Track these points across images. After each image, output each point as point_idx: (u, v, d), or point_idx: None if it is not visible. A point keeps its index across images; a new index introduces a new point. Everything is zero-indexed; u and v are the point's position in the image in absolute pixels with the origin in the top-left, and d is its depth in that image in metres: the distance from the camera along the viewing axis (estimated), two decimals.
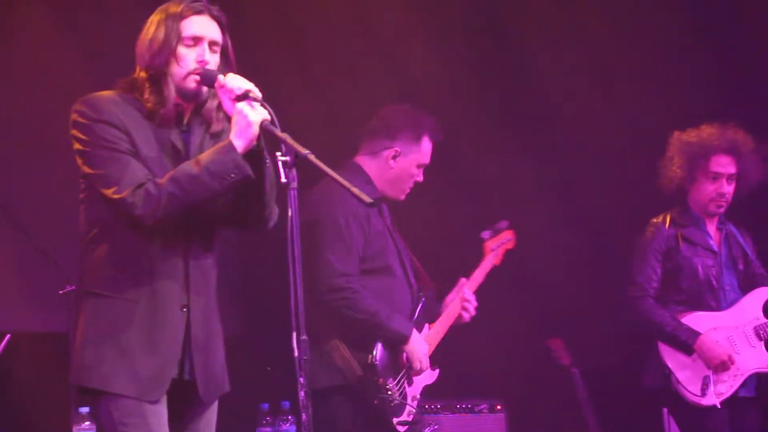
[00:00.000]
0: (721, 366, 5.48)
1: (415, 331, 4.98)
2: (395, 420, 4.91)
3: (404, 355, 4.98)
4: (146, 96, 3.68)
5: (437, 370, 5.21)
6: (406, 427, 4.96)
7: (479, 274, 5.36)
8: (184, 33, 3.67)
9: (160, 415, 3.64)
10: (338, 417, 4.84)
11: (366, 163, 5.12)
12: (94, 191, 3.65)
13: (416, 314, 5.12)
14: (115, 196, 3.56)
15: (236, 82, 3.60)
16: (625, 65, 6.81)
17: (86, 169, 3.65)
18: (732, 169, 5.62)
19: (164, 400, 3.65)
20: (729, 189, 5.63)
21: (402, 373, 4.98)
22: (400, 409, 4.92)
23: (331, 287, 4.82)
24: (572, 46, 6.88)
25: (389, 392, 4.87)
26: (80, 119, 3.65)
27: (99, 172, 3.61)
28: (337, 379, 4.82)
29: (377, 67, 6.73)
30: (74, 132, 3.67)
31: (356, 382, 4.83)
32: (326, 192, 4.92)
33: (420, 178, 5.19)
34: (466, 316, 5.24)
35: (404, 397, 4.97)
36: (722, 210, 5.70)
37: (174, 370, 3.65)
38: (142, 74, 3.71)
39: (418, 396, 5.08)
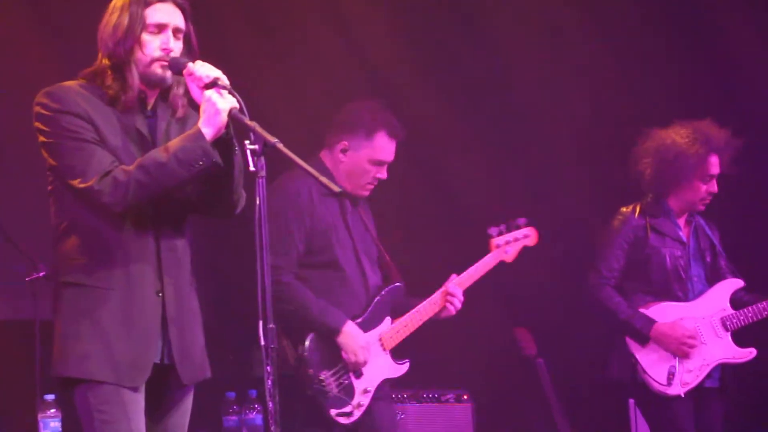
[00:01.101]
0: (682, 348, 5.51)
1: (350, 324, 4.98)
2: (334, 412, 4.92)
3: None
4: (109, 83, 3.69)
5: (405, 364, 5.19)
6: (350, 418, 4.96)
7: (475, 271, 5.32)
8: (148, 20, 3.68)
9: (137, 403, 3.64)
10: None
11: (326, 156, 5.16)
12: (62, 183, 3.66)
13: (370, 308, 5.11)
14: (82, 185, 3.57)
15: (205, 69, 3.61)
16: (598, 60, 6.84)
17: (52, 161, 3.66)
18: (719, 169, 5.65)
19: (143, 389, 3.66)
20: (716, 187, 5.67)
21: (341, 365, 4.98)
22: (339, 401, 4.93)
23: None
24: (545, 42, 6.92)
25: (323, 384, 4.90)
26: (43, 111, 3.65)
27: (65, 163, 3.62)
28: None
29: (347, 57, 6.73)
30: (38, 124, 3.67)
31: (290, 374, 4.83)
32: (277, 185, 4.97)
33: (383, 175, 5.16)
34: (452, 309, 5.22)
35: (348, 389, 4.97)
36: (705, 206, 5.73)
37: (154, 354, 3.66)
38: (105, 61, 3.72)
39: (372, 389, 5.04)
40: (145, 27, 3.67)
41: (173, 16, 3.71)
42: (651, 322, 5.53)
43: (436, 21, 6.96)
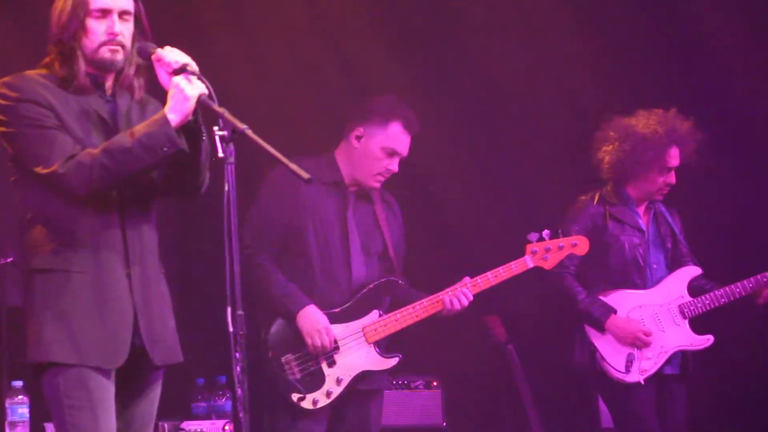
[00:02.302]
0: (637, 343, 5.54)
1: (312, 308, 4.97)
2: (295, 396, 4.92)
3: None
4: (56, 68, 3.68)
5: (393, 359, 5.17)
6: (315, 405, 4.95)
7: (495, 275, 5.24)
8: (92, 5, 3.66)
9: (106, 388, 3.64)
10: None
11: (342, 148, 5.19)
12: (26, 171, 3.65)
13: (354, 299, 5.11)
14: (46, 171, 3.57)
15: (173, 55, 3.60)
16: (583, 58, 6.86)
17: (14, 150, 3.66)
18: (678, 161, 5.67)
19: (113, 376, 3.65)
20: (675, 179, 5.70)
21: (306, 351, 4.98)
22: (302, 385, 4.93)
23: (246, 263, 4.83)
24: (520, 40, 6.92)
25: (284, 368, 4.92)
26: (2, 101, 3.64)
27: (28, 152, 3.62)
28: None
29: (318, 43, 6.71)
30: None
31: (256, 356, 4.82)
32: (271, 173, 5.04)
33: (394, 168, 5.16)
34: (456, 305, 5.17)
35: (315, 375, 4.97)
36: (662, 197, 5.77)
37: (128, 334, 3.65)
38: (52, 47, 3.71)
39: (346, 379, 5.03)
40: (88, 12, 3.66)
41: (117, 0, 3.68)
42: (609, 311, 5.57)
43: (421, 24, 6.95)
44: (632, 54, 6.85)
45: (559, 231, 5.36)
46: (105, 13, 3.66)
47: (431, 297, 5.18)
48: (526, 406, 6.17)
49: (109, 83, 3.75)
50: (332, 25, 6.72)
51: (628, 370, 5.55)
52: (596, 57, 6.82)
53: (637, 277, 5.68)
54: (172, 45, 3.68)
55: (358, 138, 5.14)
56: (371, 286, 5.15)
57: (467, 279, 5.22)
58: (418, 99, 6.24)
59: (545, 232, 5.32)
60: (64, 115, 3.62)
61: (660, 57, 6.80)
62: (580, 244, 5.37)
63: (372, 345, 5.11)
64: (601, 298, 5.63)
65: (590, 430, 6.43)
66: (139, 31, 3.72)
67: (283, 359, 4.93)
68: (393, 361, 5.16)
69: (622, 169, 5.68)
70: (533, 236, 5.31)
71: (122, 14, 3.68)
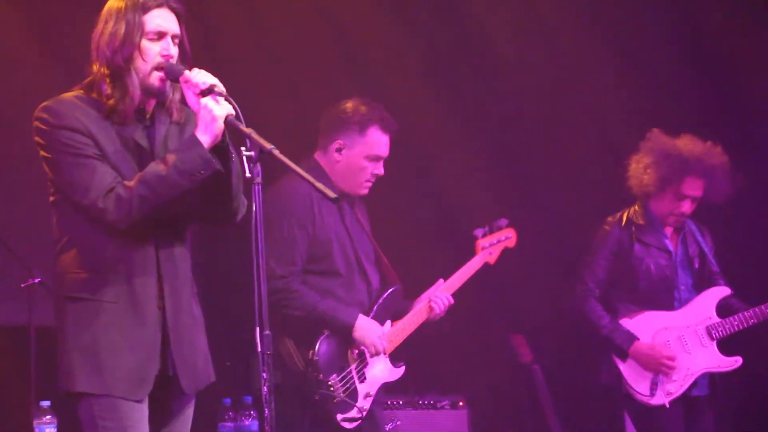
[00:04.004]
0: (661, 369, 5.53)
1: (363, 317, 4.98)
2: (340, 416, 4.91)
3: (354, 350, 5.00)
4: (108, 92, 3.64)
5: (401, 368, 5.20)
6: (354, 423, 4.95)
7: (463, 274, 5.34)
8: (147, 27, 3.64)
9: (140, 411, 3.64)
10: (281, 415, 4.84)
11: (321, 158, 5.12)
12: (63, 196, 3.65)
13: (373, 312, 5.11)
14: (86, 202, 3.56)
15: (201, 77, 3.59)
16: (592, 62, 6.84)
17: (53, 176, 3.65)
18: (699, 193, 5.63)
19: (146, 398, 3.66)
20: (690, 208, 5.66)
21: (348, 370, 4.99)
22: (345, 405, 4.93)
23: (270, 290, 4.81)
24: (538, 41, 6.91)
25: (331, 388, 4.89)
26: (42, 126, 3.62)
27: (67, 180, 3.61)
28: (277, 377, 4.81)
29: (343, 63, 6.74)
30: (38, 139, 3.65)
31: (298, 379, 4.83)
32: (276, 194, 4.96)
33: (379, 171, 5.13)
34: (437, 310, 5.22)
35: (352, 393, 4.97)
36: (679, 224, 5.73)
37: (156, 366, 3.66)
38: (103, 70, 3.66)
39: (373, 393, 5.06)
40: (144, 34, 3.63)
41: (171, 22, 3.68)
42: (632, 339, 5.56)
43: (431, 22, 6.96)
44: (658, 71, 6.83)
45: (495, 224, 5.51)
46: (160, 35, 3.65)
47: (422, 304, 5.24)
48: (551, 426, 6.17)
49: (149, 108, 3.73)
50: (353, 40, 6.75)
51: (653, 393, 5.54)
52: (621, 72, 6.82)
53: (665, 299, 5.66)
54: (199, 67, 3.68)
55: (339, 150, 5.09)
56: (384, 297, 5.16)
57: (441, 281, 5.29)
58: (436, 103, 6.30)
59: (486, 228, 5.48)
60: (102, 143, 3.60)
61: (687, 76, 6.77)
62: (511, 237, 5.56)
63: (387, 356, 5.13)
64: (627, 320, 5.62)
65: None
66: (182, 55, 3.71)
67: (330, 380, 4.90)
68: (402, 370, 5.20)
69: (640, 183, 5.67)
70: (479, 232, 5.46)
71: (173, 37, 3.68)
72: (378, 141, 5.11)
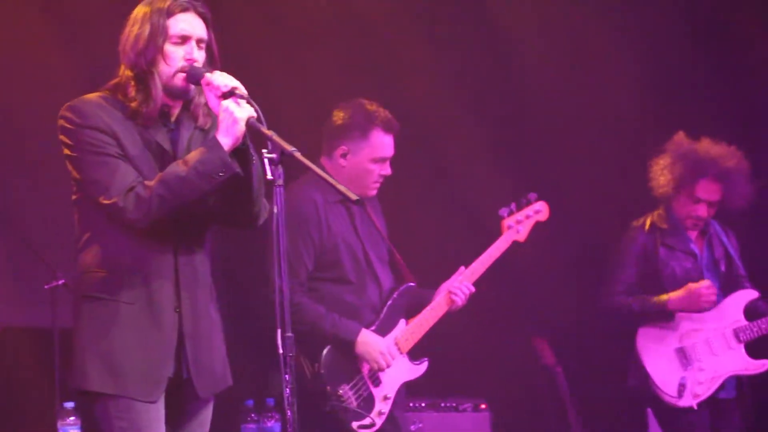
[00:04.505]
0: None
1: (366, 332, 4.96)
2: (355, 424, 4.91)
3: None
4: (132, 94, 3.67)
5: (423, 364, 5.18)
6: (372, 429, 4.95)
7: (487, 257, 5.25)
8: (171, 31, 3.67)
9: (156, 411, 3.66)
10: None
11: (327, 163, 5.11)
12: (85, 194, 3.67)
13: (383, 313, 5.10)
14: (107, 201, 3.58)
15: (223, 79, 3.60)
16: (611, 61, 6.82)
17: (76, 174, 3.68)
18: (716, 197, 5.61)
19: (161, 399, 3.68)
20: (708, 213, 5.64)
21: (360, 376, 4.98)
22: (359, 413, 4.92)
23: (273, 303, 4.81)
24: (559, 43, 6.90)
25: (342, 399, 4.89)
26: (67, 125, 3.66)
27: (89, 178, 3.63)
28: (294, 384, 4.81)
29: (366, 65, 6.74)
30: (62, 138, 3.68)
31: (307, 391, 4.77)
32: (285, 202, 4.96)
33: (386, 172, 5.12)
34: (458, 301, 5.17)
35: (368, 399, 4.97)
36: (698, 229, 5.71)
37: (170, 369, 3.67)
38: (128, 72, 3.70)
39: (392, 395, 5.05)
40: (167, 38, 3.66)
41: (196, 27, 3.70)
42: (664, 300, 5.53)
43: (450, 16, 6.96)
44: (679, 75, 6.81)
45: (522, 200, 5.37)
46: (184, 39, 3.67)
47: (441, 296, 5.17)
48: (574, 429, 6.14)
49: (175, 111, 3.75)
50: (372, 36, 6.74)
51: (680, 395, 5.52)
52: (646, 73, 6.80)
53: None
54: (219, 68, 3.70)
55: (344, 155, 5.08)
56: (395, 296, 5.15)
57: (462, 268, 5.22)
58: (455, 101, 6.31)
59: (512, 205, 5.36)
60: (125, 144, 3.63)
61: (709, 80, 6.75)
62: (543, 211, 5.41)
63: (405, 354, 5.11)
64: (653, 322, 5.61)
65: None
66: (209, 59, 3.73)
67: (340, 390, 4.90)
68: (424, 366, 5.17)
69: (658, 184, 5.67)
70: (504, 211, 5.34)
71: (199, 42, 3.70)
72: (382, 143, 5.10)
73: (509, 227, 5.32)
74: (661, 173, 5.64)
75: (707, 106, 6.60)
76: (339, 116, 5.13)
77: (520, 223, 5.35)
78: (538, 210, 5.41)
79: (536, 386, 6.50)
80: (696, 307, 5.53)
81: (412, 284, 5.21)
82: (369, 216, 5.18)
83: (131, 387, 3.62)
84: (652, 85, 6.76)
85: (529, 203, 5.39)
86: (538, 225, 5.42)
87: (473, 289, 5.19)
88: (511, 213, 5.35)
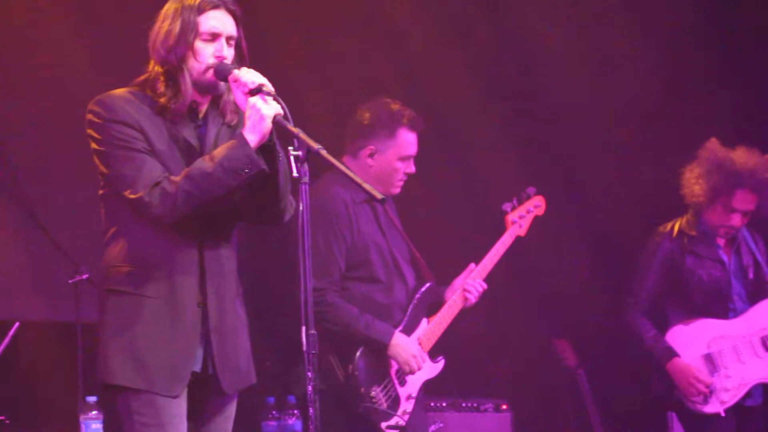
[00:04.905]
0: (690, 390, 5.49)
1: (398, 335, 5.00)
2: (384, 425, 4.94)
3: (391, 360, 5.02)
4: (161, 90, 3.68)
5: (440, 362, 5.21)
6: (397, 429, 4.96)
7: (495, 253, 5.30)
8: (201, 28, 3.67)
9: (178, 407, 3.67)
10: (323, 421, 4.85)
11: (351, 163, 5.13)
12: (112, 189, 3.68)
13: (408, 312, 5.13)
14: (132, 196, 3.59)
15: (250, 76, 3.61)
16: (631, 59, 6.81)
17: (103, 169, 3.69)
18: (752, 207, 5.57)
19: (184, 395, 3.69)
20: (741, 222, 5.60)
21: (389, 377, 5.01)
22: (388, 413, 4.95)
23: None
24: (577, 40, 6.89)
25: (374, 400, 4.91)
26: (95, 119, 3.67)
27: (115, 172, 3.64)
28: (322, 383, 4.81)
29: (389, 64, 6.75)
30: (89, 132, 3.69)
31: (339, 391, 4.84)
32: (312, 203, 4.94)
33: (411, 170, 5.16)
34: (472, 299, 5.21)
35: (395, 399, 4.99)
36: (729, 236, 5.67)
37: (193, 364, 3.68)
38: (157, 68, 3.71)
39: (415, 394, 5.08)
40: (198, 34, 3.66)
41: (226, 24, 3.70)
42: (670, 355, 5.53)
43: (473, 17, 6.97)
44: (699, 72, 6.78)
45: (523, 194, 5.41)
46: (214, 36, 3.67)
47: (456, 295, 5.20)
48: (595, 430, 6.14)
49: (203, 108, 3.76)
50: (401, 44, 6.78)
51: (707, 401, 5.51)
52: (670, 76, 6.79)
53: (718, 310, 5.62)
54: (248, 65, 3.71)
55: (372, 155, 5.11)
56: (418, 296, 5.17)
57: (473, 265, 5.25)
58: (477, 100, 6.30)
59: (514, 200, 5.41)
60: (152, 138, 3.64)
61: (728, 78, 6.70)
62: (541, 205, 5.46)
63: (426, 353, 5.14)
64: (682, 326, 5.60)
65: None
66: (238, 56, 3.73)
67: (372, 392, 4.93)
68: (441, 364, 5.21)
69: (692, 193, 5.62)
70: (507, 206, 5.38)
71: (228, 39, 3.70)
72: (408, 141, 5.14)
73: (513, 222, 5.37)
74: (696, 182, 5.59)
75: (726, 105, 6.59)
76: (364, 116, 5.15)
77: (522, 218, 5.40)
78: (537, 204, 5.46)
79: (558, 387, 6.52)
80: (682, 386, 5.51)
81: (431, 284, 5.23)
82: (389, 215, 5.21)
83: (154, 381, 3.62)
84: (671, 80, 6.73)
85: (528, 198, 5.44)
86: (537, 219, 5.47)
87: (486, 286, 5.23)
88: (513, 208, 5.40)
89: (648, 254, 5.67)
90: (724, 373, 5.55)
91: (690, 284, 5.60)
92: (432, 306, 5.22)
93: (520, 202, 5.42)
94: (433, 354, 5.20)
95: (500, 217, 5.39)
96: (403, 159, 5.11)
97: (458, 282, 5.24)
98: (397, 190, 5.18)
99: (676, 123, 6.23)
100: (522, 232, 5.39)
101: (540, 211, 5.47)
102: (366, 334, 4.94)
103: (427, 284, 5.21)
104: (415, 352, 5.01)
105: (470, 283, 5.19)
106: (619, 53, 6.78)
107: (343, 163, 4.99)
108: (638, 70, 6.75)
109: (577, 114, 6.86)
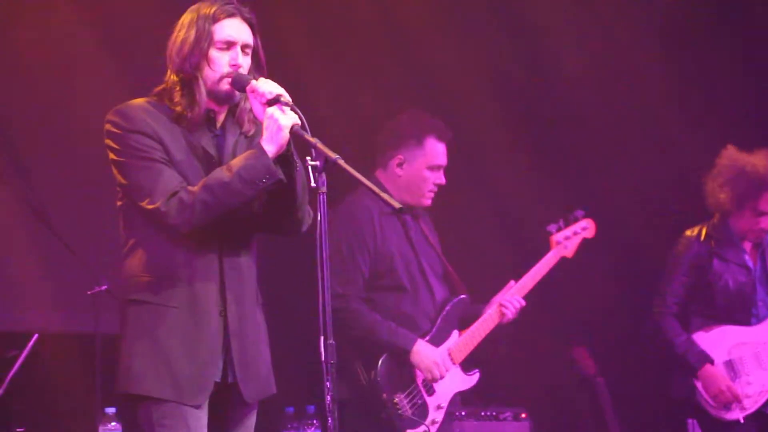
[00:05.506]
0: (719, 398, 5.51)
1: (421, 342, 5.04)
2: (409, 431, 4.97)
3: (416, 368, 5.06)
4: (177, 99, 3.70)
5: (475, 375, 5.26)
6: None
7: (536, 272, 5.35)
8: (216, 36, 3.69)
9: (198, 419, 3.67)
10: (350, 429, 4.88)
11: (381, 175, 5.22)
12: (130, 200, 3.70)
13: (437, 324, 5.17)
14: (150, 206, 3.60)
15: (268, 86, 3.62)
16: (649, 63, 6.82)
17: (121, 179, 3.70)
18: None
19: (205, 405, 3.69)
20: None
21: (415, 384, 5.04)
22: (414, 421, 4.98)
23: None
24: (593, 44, 6.90)
25: (397, 407, 4.95)
26: (113, 129, 3.68)
27: (133, 182, 3.65)
28: (344, 392, 4.84)
29: (406, 74, 6.77)
30: (108, 142, 3.71)
31: (363, 397, 4.89)
32: (339, 211, 5.04)
33: (441, 180, 5.23)
34: (509, 314, 5.25)
35: (422, 408, 5.02)
36: (759, 240, 5.69)
37: (215, 373, 3.68)
38: (173, 77, 3.72)
39: (445, 404, 5.11)
40: (212, 43, 3.67)
41: (241, 32, 3.71)
42: (705, 360, 5.55)
43: (489, 27, 6.97)
44: (723, 78, 6.79)
45: (570, 216, 5.46)
46: (229, 45, 3.69)
47: (492, 309, 5.25)
48: None
49: (220, 117, 3.78)
50: (413, 47, 6.78)
51: (727, 408, 5.51)
52: (672, 72, 6.78)
53: (743, 315, 5.64)
54: (266, 74, 3.73)
55: (400, 165, 5.19)
56: (448, 308, 5.21)
57: (512, 282, 5.30)
58: (499, 111, 6.29)
59: (560, 222, 5.45)
60: (171, 149, 3.66)
61: (752, 87, 6.73)
62: (589, 228, 5.51)
63: (458, 365, 5.18)
64: (703, 333, 5.61)
65: None
66: (255, 65, 3.75)
67: (396, 399, 4.97)
68: (476, 377, 5.25)
69: (717, 201, 5.64)
70: (553, 227, 5.44)
71: (244, 47, 3.71)
72: (436, 151, 5.21)
73: (558, 243, 5.42)
74: (721, 190, 5.62)
75: (749, 114, 6.58)
76: (393, 127, 5.24)
77: (569, 239, 5.44)
78: (585, 227, 5.51)
79: (577, 396, 6.53)
80: (711, 393, 5.52)
81: (463, 297, 5.27)
82: (421, 229, 5.25)
83: (177, 391, 3.63)
84: (694, 92, 6.73)
85: (576, 220, 5.49)
86: (585, 242, 5.51)
87: (524, 303, 5.27)
88: (559, 229, 5.45)
89: (676, 257, 5.69)
90: (745, 379, 5.57)
91: (715, 289, 5.62)
92: (467, 321, 5.27)
93: (567, 224, 5.48)
94: (467, 367, 5.24)
95: (546, 237, 5.44)
96: (431, 168, 5.17)
97: (497, 299, 5.29)
98: (428, 202, 5.24)
99: (699, 133, 6.22)
100: (568, 253, 5.45)
101: (589, 234, 5.52)
102: (388, 340, 4.99)
103: (458, 297, 5.26)
104: (437, 359, 5.03)
105: (507, 299, 5.25)
106: (645, 65, 6.80)
107: (375, 178, 5.11)
108: (665, 84, 6.76)
109: (602, 126, 6.89)
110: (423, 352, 5.02)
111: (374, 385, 4.95)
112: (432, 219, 5.44)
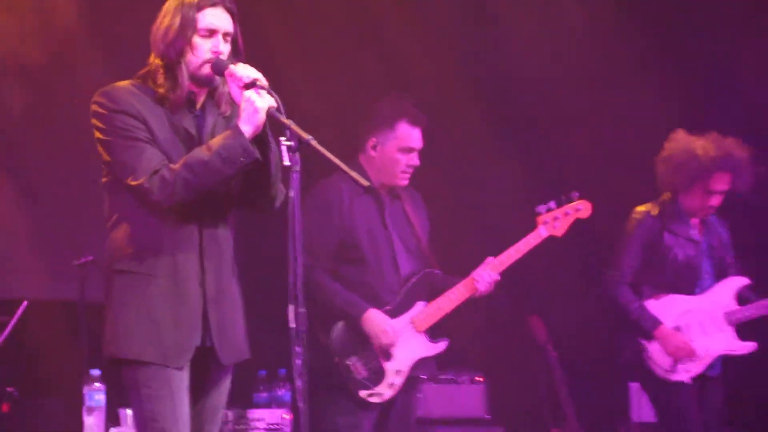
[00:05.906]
0: (678, 353, 5.69)
1: (372, 311, 5.22)
2: (363, 393, 5.19)
3: None
4: (160, 82, 3.83)
5: (440, 343, 5.40)
6: (382, 398, 5.22)
7: (517, 250, 5.36)
8: (199, 24, 3.81)
9: (181, 380, 3.81)
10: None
11: (362, 158, 5.41)
12: (114, 177, 3.82)
13: (400, 295, 5.35)
14: (133, 183, 3.72)
15: (245, 71, 3.75)
16: (620, 60, 6.98)
17: (106, 157, 3.82)
18: (727, 186, 5.75)
19: (187, 368, 3.82)
20: (719, 201, 5.78)
21: (370, 351, 5.25)
22: (368, 383, 5.20)
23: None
24: (563, 41, 7.06)
25: (350, 370, 5.17)
26: (99, 110, 3.80)
27: (118, 160, 3.77)
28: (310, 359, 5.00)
29: (381, 60, 6.90)
30: (94, 122, 3.82)
31: (318, 361, 4.99)
32: (312, 190, 5.24)
33: (414, 162, 5.37)
34: (481, 288, 5.32)
35: (378, 371, 5.23)
36: (707, 216, 5.86)
37: (197, 338, 3.82)
38: (157, 61, 3.86)
39: (405, 369, 5.29)
40: (196, 30, 3.80)
41: (223, 21, 3.84)
42: (657, 323, 5.71)
43: (468, 21, 7.11)
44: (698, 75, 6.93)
45: (563, 197, 5.45)
46: (211, 32, 3.82)
47: (463, 282, 5.36)
48: (563, 403, 6.33)
49: (200, 99, 3.90)
50: (389, 39, 6.90)
51: (674, 370, 5.72)
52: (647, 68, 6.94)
53: (689, 285, 5.83)
54: (244, 60, 3.87)
55: (374, 147, 5.37)
56: (414, 280, 5.37)
57: (490, 259, 5.37)
58: (474, 103, 6.45)
59: (551, 203, 5.44)
60: (154, 128, 3.77)
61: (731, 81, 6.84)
62: (584, 209, 5.45)
63: (422, 333, 5.36)
64: (653, 301, 5.78)
65: (622, 423, 6.59)
66: (234, 52, 3.87)
67: (348, 362, 5.21)
68: (442, 345, 5.41)
69: (669, 181, 5.81)
70: (541, 208, 5.42)
71: (225, 35, 3.84)
72: (408, 134, 5.37)
73: (545, 222, 5.40)
74: (674, 171, 5.75)
75: (728, 107, 6.74)
76: (370, 112, 5.42)
77: (557, 219, 5.40)
78: (579, 208, 5.45)
79: (532, 362, 6.64)
80: (670, 350, 5.69)
81: (432, 270, 5.41)
82: (403, 208, 5.44)
83: (162, 354, 3.76)
84: (657, 79, 6.87)
85: (570, 201, 5.45)
86: (578, 222, 5.47)
87: (498, 278, 5.34)
88: (549, 210, 5.42)
89: (630, 230, 5.83)
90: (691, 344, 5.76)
91: (666, 261, 5.79)
92: (440, 292, 5.40)
93: (559, 205, 5.44)
94: (434, 335, 5.40)
95: (533, 218, 5.44)
96: (402, 151, 5.35)
97: (473, 273, 5.40)
98: (403, 182, 5.40)
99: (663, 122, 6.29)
100: (558, 232, 5.41)
101: (583, 215, 5.45)
102: (342, 309, 5.21)
103: (424, 270, 5.41)
104: (387, 327, 5.22)
105: (480, 272, 5.35)
106: (613, 59, 6.93)
107: (357, 161, 5.28)
108: (647, 77, 6.88)
109: (573, 114, 7.05)
110: (372, 319, 5.21)
111: (326, 349, 5.18)
112: (424, 200, 5.57)
